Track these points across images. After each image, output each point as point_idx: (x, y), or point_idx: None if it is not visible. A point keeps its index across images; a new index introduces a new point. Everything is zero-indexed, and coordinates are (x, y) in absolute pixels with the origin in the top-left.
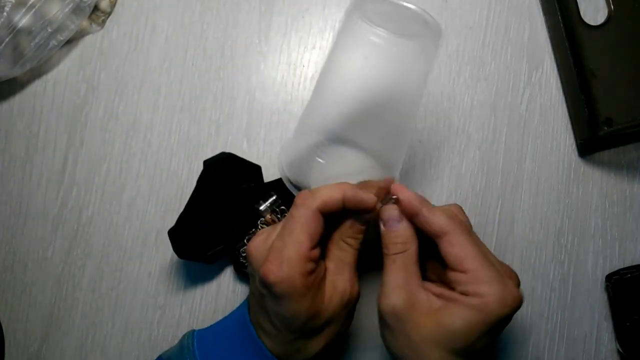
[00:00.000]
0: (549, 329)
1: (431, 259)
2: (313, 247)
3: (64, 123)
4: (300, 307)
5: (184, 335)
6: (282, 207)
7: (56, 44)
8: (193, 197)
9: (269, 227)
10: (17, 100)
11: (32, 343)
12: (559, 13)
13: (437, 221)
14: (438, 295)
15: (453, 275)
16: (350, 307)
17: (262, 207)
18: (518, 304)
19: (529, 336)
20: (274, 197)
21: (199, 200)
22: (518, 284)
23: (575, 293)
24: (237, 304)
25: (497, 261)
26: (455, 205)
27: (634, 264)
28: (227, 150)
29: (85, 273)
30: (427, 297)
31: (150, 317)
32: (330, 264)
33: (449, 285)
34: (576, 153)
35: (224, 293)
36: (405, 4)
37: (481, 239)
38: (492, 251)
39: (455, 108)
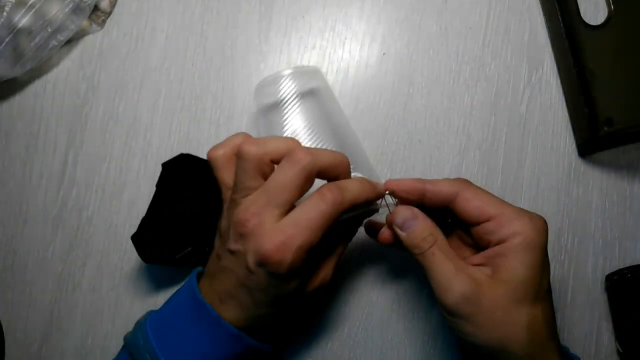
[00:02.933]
0: None
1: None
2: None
3: (64, 123)
4: (291, 286)
5: (142, 316)
6: None
7: (56, 44)
8: (154, 201)
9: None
10: (17, 100)
11: (32, 343)
12: (559, 13)
13: (444, 187)
14: (482, 264)
15: (481, 228)
16: (321, 290)
17: None
18: (546, 227)
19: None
20: None
21: (160, 204)
22: None
23: (575, 293)
24: None
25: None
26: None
27: (634, 264)
28: None
29: (85, 273)
30: (478, 270)
31: None
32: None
33: (481, 244)
34: (576, 153)
35: None
36: (284, 72)
37: None
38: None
39: (455, 108)
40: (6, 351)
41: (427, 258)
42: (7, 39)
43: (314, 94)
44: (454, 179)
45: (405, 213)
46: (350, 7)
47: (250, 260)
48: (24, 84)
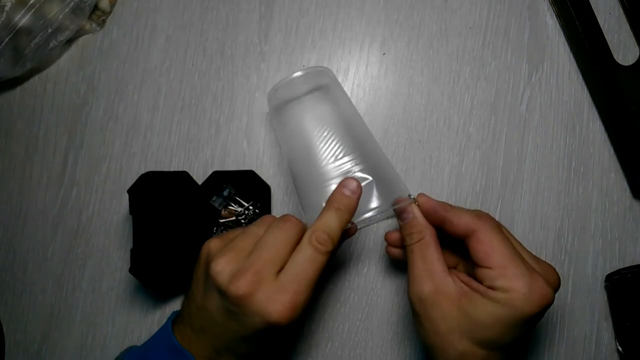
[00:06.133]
0: (549, 329)
1: (464, 259)
2: None
3: (64, 123)
4: (287, 328)
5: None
6: (236, 197)
7: (56, 44)
8: (135, 229)
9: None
10: (17, 100)
11: (32, 343)
12: (592, 58)
13: (463, 221)
14: (466, 283)
15: (481, 272)
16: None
17: (216, 204)
18: (546, 302)
19: (529, 336)
20: (227, 191)
21: (143, 229)
22: (554, 282)
23: (575, 293)
24: None
25: (532, 258)
26: (481, 211)
27: (634, 264)
28: (228, 150)
29: (85, 273)
30: (454, 282)
31: (150, 317)
32: None
33: (476, 278)
34: (576, 153)
35: None
36: (295, 74)
37: None
38: None
39: (455, 108)
40: (6, 351)
41: (409, 252)
42: (7, 39)
43: (324, 91)
44: (478, 215)
45: (405, 207)
46: (351, 7)
47: (258, 321)
48: (24, 84)
